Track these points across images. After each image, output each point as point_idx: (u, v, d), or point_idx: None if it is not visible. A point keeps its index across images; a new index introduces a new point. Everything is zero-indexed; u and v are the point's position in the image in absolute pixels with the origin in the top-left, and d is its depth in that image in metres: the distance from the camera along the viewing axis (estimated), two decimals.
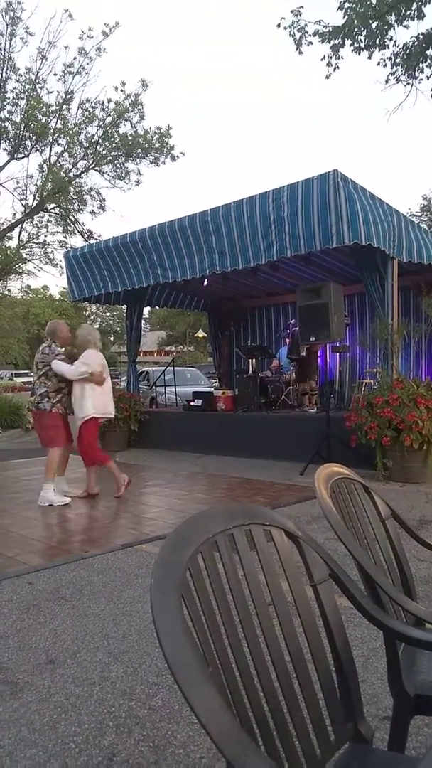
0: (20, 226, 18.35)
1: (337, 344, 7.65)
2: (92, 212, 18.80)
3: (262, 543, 1.12)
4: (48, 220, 18.94)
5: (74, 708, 2.19)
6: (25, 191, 17.96)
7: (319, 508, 1.40)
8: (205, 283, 9.26)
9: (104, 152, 17.95)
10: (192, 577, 0.91)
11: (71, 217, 18.71)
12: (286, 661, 1.06)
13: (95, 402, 5.74)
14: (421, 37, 12.40)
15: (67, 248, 16.90)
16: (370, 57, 12.56)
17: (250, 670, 0.99)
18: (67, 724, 2.09)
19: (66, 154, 17.86)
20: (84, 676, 2.43)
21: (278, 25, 12.42)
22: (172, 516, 5.15)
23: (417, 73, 13.00)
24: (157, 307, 12.09)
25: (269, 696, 1.00)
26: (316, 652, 1.14)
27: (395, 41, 12.58)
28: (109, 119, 17.46)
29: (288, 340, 9.99)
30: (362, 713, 1.21)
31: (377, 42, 12.38)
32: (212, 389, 11.67)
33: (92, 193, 18.62)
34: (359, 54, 12.50)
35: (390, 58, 12.84)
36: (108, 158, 18.08)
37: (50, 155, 17.64)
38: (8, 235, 18.37)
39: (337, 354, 9.99)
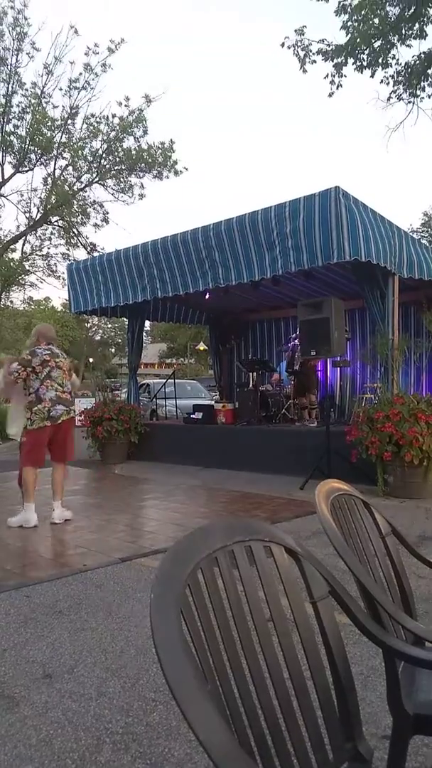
0: (24, 238, 18.48)
1: (338, 359, 7.66)
2: (95, 225, 18.96)
3: (262, 559, 1.12)
4: (51, 233, 19.09)
5: (71, 723, 2.17)
6: (29, 204, 18.12)
7: (319, 523, 1.40)
8: (207, 296, 9.29)
9: (108, 166, 18.12)
10: (191, 592, 0.91)
11: (74, 229, 18.85)
12: (285, 678, 1.06)
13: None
14: (422, 56, 12.57)
15: (70, 261, 17.00)
16: (372, 75, 12.74)
17: (249, 687, 0.98)
18: (63, 740, 2.07)
19: (70, 168, 18.05)
20: (81, 691, 2.41)
21: (282, 44, 12.60)
22: (171, 529, 5.13)
23: (418, 92, 13.16)
24: (158, 321, 12.12)
25: (268, 714, 1.00)
26: (315, 669, 1.14)
27: (397, 60, 12.76)
28: (113, 134, 17.64)
29: (287, 354, 10.01)
30: (361, 732, 1.20)
31: (379, 61, 12.55)
32: (213, 402, 11.67)
33: (95, 206, 18.78)
34: (362, 72, 12.67)
35: (392, 77, 13.01)
36: (112, 172, 18.24)
37: (54, 169, 17.84)
38: (12, 247, 18.49)
39: (338, 368, 10.00)
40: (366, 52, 12.41)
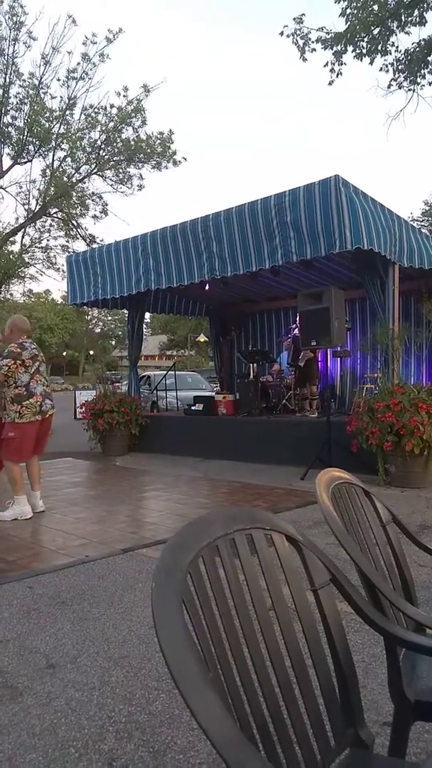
0: (23, 230, 18.41)
1: (338, 349, 7.65)
2: (95, 217, 18.88)
3: (263, 547, 1.12)
4: (50, 225, 19.02)
5: (74, 713, 2.18)
6: (28, 196, 18.04)
7: (320, 513, 1.40)
8: (206, 287, 9.27)
9: (106, 157, 18.02)
10: (193, 581, 0.91)
11: (73, 221, 18.77)
12: (287, 666, 1.06)
13: None
14: (422, 43, 12.46)
15: (69, 252, 16.94)
16: (371, 63, 12.63)
17: (251, 675, 0.98)
18: (67, 728, 2.08)
19: (69, 159, 17.94)
20: (84, 680, 2.42)
21: (281, 33, 12.49)
22: (172, 520, 5.15)
23: (419, 79, 13.06)
24: (158, 313, 12.10)
25: (270, 701, 1.00)
26: (317, 657, 1.14)
27: (397, 47, 12.65)
28: (111, 124, 17.53)
29: (287, 344, 9.99)
30: (363, 719, 1.21)
31: (379, 48, 12.45)
32: (213, 393, 11.67)
33: (94, 197, 18.69)
34: (361, 60, 12.57)
35: (392, 64, 12.90)
36: (110, 163, 18.14)
37: (53, 160, 17.74)
38: (11, 239, 18.43)
39: (338, 359, 9.99)
40: (365, 39, 12.30)
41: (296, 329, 9.06)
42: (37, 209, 17.99)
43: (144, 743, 1.99)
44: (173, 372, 12.92)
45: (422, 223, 27.61)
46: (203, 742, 1.96)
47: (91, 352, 58.18)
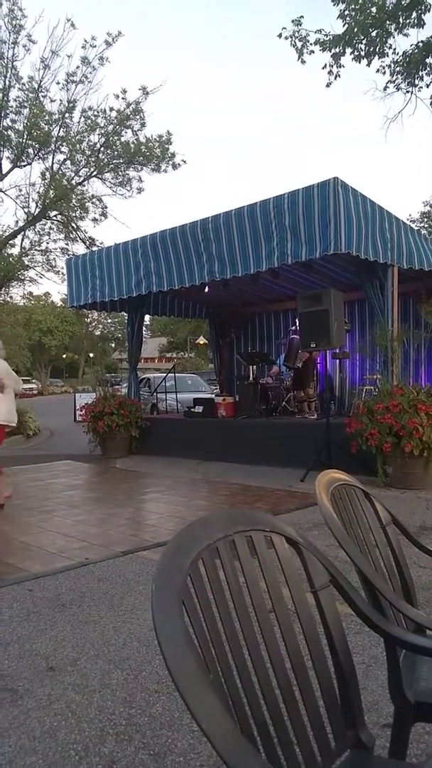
0: (22, 233, 18.40)
1: (338, 351, 7.66)
2: (94, 219, 18.86)
3: (263, 549, 1.12)
4: (50, 228, 19.00)
5: (74, 715, 2.18)
6: (27, 199, 18.03)
7: (319, 515, 1.40)
8: (206, 290, 9.28)
9: (106, 160, 18.03)
10: (193, 583, 0.91)
11: (73, 224, 18.77)
12: (287, 667, 1.06)
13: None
14: (420, 45, 12.48)
15: (69, 255, 16.94)
16: (369, 65, 12.64)
17: (251, 676, 0.99)
18: (67, 731, 2.08)
19: (68, 162, 17.94)
20: (84, 683, 2.42)
21: (279, 35, 12.49)
22: (172, 523, 5.15)
23: (417, 81, 13.07)
24: (158, 316, 12.11)
25: (270, 703, 1.00)
26: (317, 658, 1.14)
27: (395, 49, 12.67)
28: (110, 127, 17.54)
29: (284, 347, 10.00)
30: (363, 720, 1.21)
31: (377, 50, 12.46)
32: (213, 396, 11.67)
33: (94, 200, 18.69)
34: (359, 62, 12.57)
35: (389, 66, 12.92)
36: (110, 166, 18.15)
37: (53, 163, 17.73)
38: (11, 242, 18.43)
39: (338, 360, 10.00)
40: (364, 41, 12.31)
41: (295, 331, 9.06)
42: (36, 212, 17.99)
43: (144, 746, 1.98)
44: (173, 374, 12.92)
45: (421, 225, 27.62)
46: (204, 745, 1.96)
47: (91, 355, 58.17)
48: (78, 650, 2.73)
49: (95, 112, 17.52)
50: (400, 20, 12.08)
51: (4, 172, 17.69)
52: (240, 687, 0.95)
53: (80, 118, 17.58)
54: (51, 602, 3.34)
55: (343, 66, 12.58)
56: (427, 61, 12.64)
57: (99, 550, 4.34)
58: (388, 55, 12.68)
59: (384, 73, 13.03)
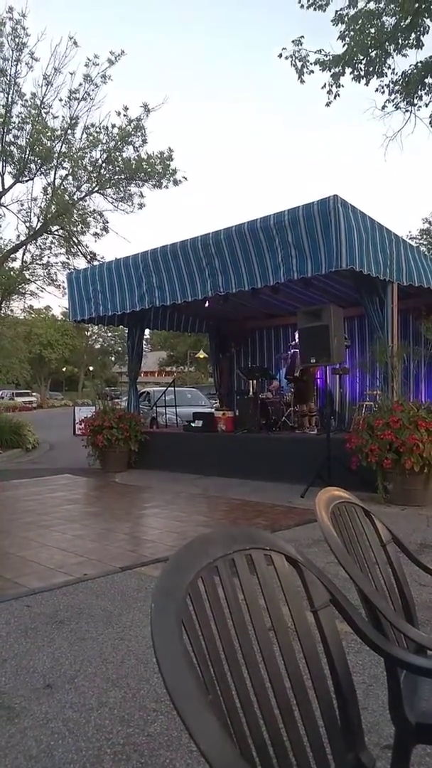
0: (24, 247, 18.52)
1: (338, 366, 7.67)
2: (95, 234, 18.98)
3: (263, 568, 1.12)
4: (51, 242, 19.12)
5: (72, 734, 2.16)
6: (29, 213, 18.16)
7: (320, 532, 1.40)
8: (207, 304, 9.32)
9: (107, 176, 18.18)
10: (192, 602, 0.91)
11: (74, 239, 18.89)
12: (287, 687, 1.05)
13: None
14: (419, 65, 12.66)
15: (70, 269, 17.03)
16: (367, 84, 12.81)
17: (250, 696, 0.98)
18: (64, 750, 2.06)
19: (70, 178, 18.10)
20: (82, 701, 2.40)
21: (280, 55, 12.67)
22: (171, 538, 5.12)
23: (416, 101, 13.24)
24: (158, 330, 12.14)
25: (269, 723, 0.99)
26: (317, 678, 1.13)
27: (393, 69, 12.85)
28: (112, 144, 17.72)
29: (286, 361, 10.01)
30: (363, 742, 1.20)
31: (376, 70, 12.63)
32: (213, 410, 11.66)
33: (95, 215, 18.83)
34: (359, 82, 12.75)
35: (388, 86, 13.10)
36: (111, 181, 18.31)
37: (54, 178, 17.89)
38: (12, 256, 18.54)
39: (338, 376, 10.01)
40: (363, 62, 12.49)
41: (296, 346, 9.09)
42: (38, 227, 18.12)
43: (142, 766, 1.96)
44: (173, 388, 12.93)
45: (421, 242, 27.79)
46: (202, 765, 1.93)
47: (91, 368, 58.22)
48: (76, 667, 2.70)
49: (97, 129, 17.72)
50: (399, 41, 12.26)
51: (6, 186, 17.84)
52: (239, 707, 0.95)
53: (82, 134, 17.77)
54: (48, 618, 3.32)
55: (343, 86, 12.75)
56: (426, 81, 12.81)
57: (97, 565, 4.31)
58: (387, 75, 12.87)
59: (383, 92, 13.21)
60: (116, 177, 18.33)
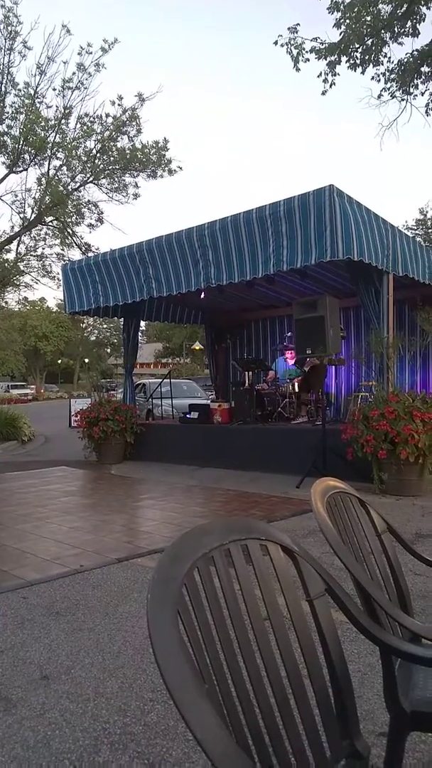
0: (18, 238, 18.41)
1: (333, 357, 7.66)
2: (90, 225, 18.89)
3: (259, 558, 1.12)
4: (46, 233, 19.01)
5: (69, 724, 2.17)
6: (23, 204, 18.04)
7: (315, 522, 1.40)
8: (202, 295, 9.30)
9: (102, 166, 18.07)
10: (188, 592, 0.91)
11: (69, 230, 18.79)
12: (282, 676, 1.06)
13: None
14: (415, 53, 12.58)
15: (64, 261, 16.96)
16: (363, 72, 12.73)
17: (246, 685, 0.98)
18: (61, 740, 2.07)
19: (64, 168, 17.97)
20: (78, 692, 2.41)
21: (275, 42, 12.57)
22: (168, 529, 5.13)
23: (411, 89, 13.17)
24: (153, 321, 12.11)
25: (265, 712, 1.00)
26: (312, 667, 1.14)
27: (389, 58, 12.77)
28: (107, 133, 17.59)
29: (289, 351, 10.00)
30: (358, 729, 1.21)
31: (372, 58, 12.55)
32: (209, 401, 11.66)
33: (90, 206, 18.73)
34: (355, 70, 12.67)
35: (384, 74, 13.02)
36: (106, 172, 18.19)
37: (49, 169, 17.76)
38: (6, 247, 18.42)
39: (333, 366, 10.02)
40: (359, 50, 12.41)
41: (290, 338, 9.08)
42: (32, 218, 18.01)
43: (139, 755, 1.97)
44: (168, 380, 12.92)
45: (416, 232, 27.74)
46: (198, 754, 1.94)
47: (86, 360, 58.13)
48: (72, 658, 2.71)
49: (91, 118, 17.58)
50: (396, 29, 12.18)
51: (0, 177, 17.71)
52: (235, 696, 0.95)
53: (76, 124, 17.63)
54: (45, 610, 3.33)
55: (339, 74, 12.67)
56: (422, 69, 12.74)
57: (94, 557, 4.32)
58: (383, 64, 12.79)
59: (379, 80, 13.13)
60: (111, 167, 18.22)
